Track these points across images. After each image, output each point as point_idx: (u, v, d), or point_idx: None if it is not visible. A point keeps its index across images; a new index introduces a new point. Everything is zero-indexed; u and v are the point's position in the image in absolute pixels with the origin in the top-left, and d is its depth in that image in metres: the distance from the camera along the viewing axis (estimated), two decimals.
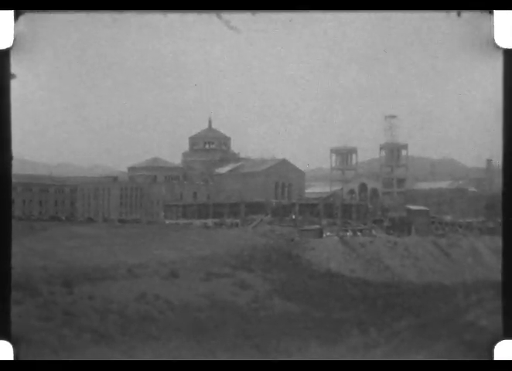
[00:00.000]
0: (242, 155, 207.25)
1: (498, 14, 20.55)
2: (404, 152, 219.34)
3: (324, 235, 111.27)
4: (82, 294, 56.17)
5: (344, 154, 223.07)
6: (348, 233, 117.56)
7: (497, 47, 20.62)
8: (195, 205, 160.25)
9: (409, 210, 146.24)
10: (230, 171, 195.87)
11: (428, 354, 39.48)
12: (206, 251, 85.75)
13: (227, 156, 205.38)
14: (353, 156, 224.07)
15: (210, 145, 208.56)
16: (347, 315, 63.13)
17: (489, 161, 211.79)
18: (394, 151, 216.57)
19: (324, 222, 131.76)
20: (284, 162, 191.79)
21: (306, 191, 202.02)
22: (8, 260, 20.07)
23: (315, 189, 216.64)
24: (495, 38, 20.59)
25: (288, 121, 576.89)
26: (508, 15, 20.52)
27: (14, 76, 20.39)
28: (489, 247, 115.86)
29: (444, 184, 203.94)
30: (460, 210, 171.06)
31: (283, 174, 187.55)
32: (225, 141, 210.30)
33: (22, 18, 20.26)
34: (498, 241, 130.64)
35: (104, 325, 49.76)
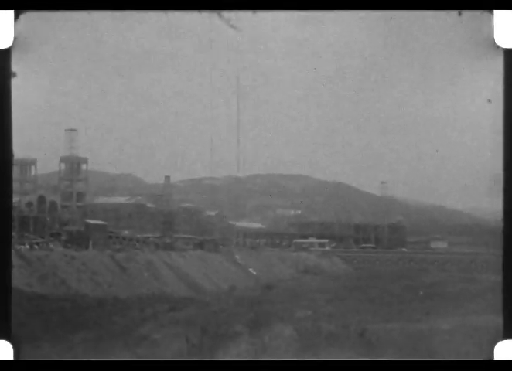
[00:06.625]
0: None
1: (498, 14, 20.72)
2: (84, 166, 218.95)
3: None
4: None
5: (23, 166, 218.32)
6: (25, 247, 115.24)
7: (497, 47, 20.85)
8: None
9: (87, 224, 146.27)
10: None
11: None
12: None
13: None
14: (33, 168, 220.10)
15: None
16: (23, 332, 61.93)
17: (167, 178, 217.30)
18: (73, 164, 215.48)
19: None
20: None
21: None
22: (9, 260, 19.06)
23: None
24: (495, 38, 20.78)
25: None
26: (508, 15, 20.71)
27: (14, 75, 20.04)
28: (165, 262, 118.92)
29: (123, 199, 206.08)
30: (138, 225, 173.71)
31: None
32: None
33: (22, 17, 19.88)
34: (173, 256, 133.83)
35: None
